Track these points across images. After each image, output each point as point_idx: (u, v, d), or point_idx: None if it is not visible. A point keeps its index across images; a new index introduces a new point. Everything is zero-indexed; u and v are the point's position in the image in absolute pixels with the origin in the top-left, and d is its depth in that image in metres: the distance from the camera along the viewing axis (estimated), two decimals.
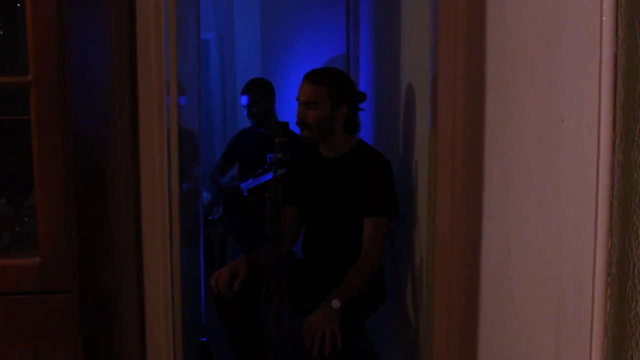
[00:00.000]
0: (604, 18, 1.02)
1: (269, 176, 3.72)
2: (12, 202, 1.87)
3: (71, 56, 1.49)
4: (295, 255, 3.00)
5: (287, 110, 4.04)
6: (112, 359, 2.02)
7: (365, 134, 3.89)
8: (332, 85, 2.56)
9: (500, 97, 1.71)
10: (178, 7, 2.19)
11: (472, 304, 1.91)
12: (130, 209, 2.02)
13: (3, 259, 1.56)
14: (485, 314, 1.84)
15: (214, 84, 5.89)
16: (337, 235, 2.69)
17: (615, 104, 1.03)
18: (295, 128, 2.70)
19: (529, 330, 1.49)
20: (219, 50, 5.90)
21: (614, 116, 1.03)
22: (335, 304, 2.31)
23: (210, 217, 4.50)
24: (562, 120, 1.18)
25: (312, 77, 2.60)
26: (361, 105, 2.78)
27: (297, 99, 2.61)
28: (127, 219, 2.02)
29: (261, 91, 4.09)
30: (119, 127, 2.01)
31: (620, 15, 1.01)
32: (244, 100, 4.11)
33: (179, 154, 2.18)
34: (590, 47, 1.06)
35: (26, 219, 1.89)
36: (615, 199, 1.04)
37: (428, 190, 2.15)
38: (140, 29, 1.96)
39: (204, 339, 3.41)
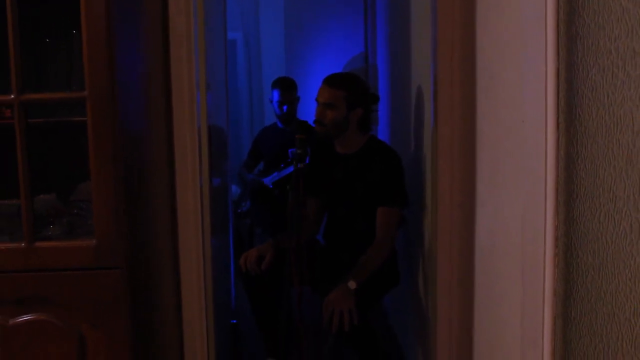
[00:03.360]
0: (548, 42, 1.27)
1: (291, 169, 3.98)
2: (61, 197, 2.13)
3: (118, 72, 1.78)
4: (318, 242, 3.24)
5: (309, 107, 4.30)
6: (153, 332, 2.29)
7: (383, 128, 4.14)
8: (348, 90, 2.79)
9: (486, 102, 1.96)
10: (206, 12, 2.42)
11: (468, 275, 2.17)
12: (166, 199, 2.27)
13: (65, 242, 1.85)
14: (478, 284, 2.10)
15: (241, 82, 6.11)
16: (353, 223, 2.91)
17: (558, 107, 1.27)
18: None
19: (506, 291, 1.76)
20: (246, 50, 6.12)
21: (557, 118, 1.27)
22: (352, 284, 2.56)
23: (239, 210, 4.76)
24: (523, 121, 1.42)
25: (331, 81, 2.83)
26: (380, 101, 3.00)
27: (316, 100, 2.85)
28: (164, 208, 2.27)
29: (293, 91, 4.31)
30: (155, 126, 2.25)
31: (560, 40, 1.25)
32: (275, 95, 4.31)
33: (209, 150, 2.42)
34: (539, 63, 1.30)
35: (75, 211, 2.17)
36: (560, 185, 1.29)
37: (431, 182, 2.39)
38: (173, 37, 2.19)
39: (234, 321, 3.67)
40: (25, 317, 1.81)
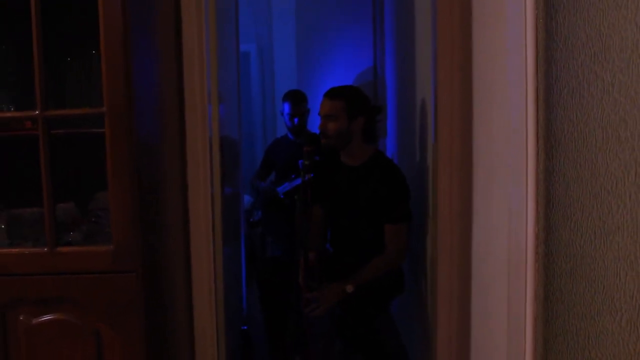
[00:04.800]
0: (528, 64, 1.38)
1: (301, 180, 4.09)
2: (79, 206, 2.26)
3: (134, 88, 1.91)
4: (327, 252, 3.34)
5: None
6: (165, 334, 2.40)
7: (391, 139, 4.25)
8: (347, 100, 2.88)
9: (481, 118, 2.07)
10: (218, 25, 2.53)
11: (466, 282, 2.27)
12: (179, 208, 2.38)
13: (85, 247, 1.99)
14: (475, 291, 2.21)
15: (255, 94, 6.21)
16: (357, 233, 2.99)
17: (537, 126, 1.38)
18: None
19: (496, 296, 1.86)
20: (259, 62, 6.23)
21: (537, 135, 1.38)
22: (350, 288, 2.70)
23: (251, 219, 4.86)
24: (508, 137, 1.53)
25: (330, 94, 2.93)
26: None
27: (319, 114, 2.95)
28: (177, 216, 2.38)
29: (303, 103, 4.42)
30: (168, 138, 2.37)
31: (539, 62, 1.36)
32: (286, 108, 4.42)
33: (221, 160, 2.54)
34: (520, 82, 1.41)
35: (93, 219, 2.29)
36: (540, 196, 1.39)
37: (432, 193, 2.50)
38: (186, 52, 2.32)
39: (245, 327, 3.79)
40: (47, 317, 1.95)
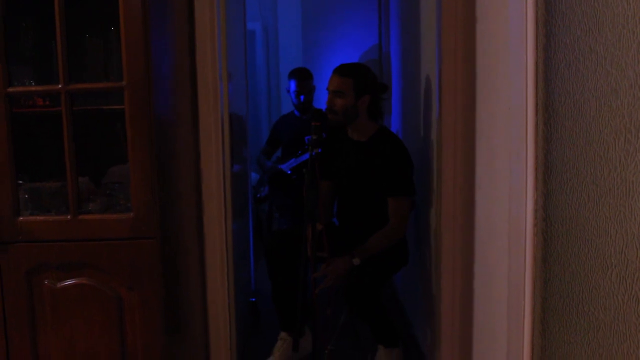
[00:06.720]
0: (528, 37, 1.46)
1: (308, 155, 4.16)
2: (92, 180, 2.34)
3: (152, 64, 1.99)
4: (333, 224, 3.43)
5: (325, 96, 4.48)
6: (180, 298, 2.51)
7: (396, 116, 4.32)
8: (356, 78, 2.97)
9: (484, 93, 2.15)
10: (227, 4, 2.60)
11: (469, 251, 2.36)
12: (192, 180, 2.47)
13: (107, 214, 2.09)
14: (478, 260, 2.30)
15: (260, 72, 6.26)
16: (364, 206, 3.10)
17: (537, 97, 1.46)
18: None
19: (496, 261, 1.96)
20: (264, 40, 6.27)
21: (536, 106, 1.46)
22: (356, 261, 2.81)
23: (258, 195, 4.95)
24: (509, 109, 1.61)
25: (340, 70, 3.01)
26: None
27: (327, 89, 3.03)
28: (190, 188, 2.47)
29: (309, 80, 4.49)
30: (182, 114, 2.45)
31: (539, 37, 1.44)
32: (292, 85, 4.49)
33: (230, 137, 2.62)
34: (521, 56, 1.49)
35: (108, 192, 2.37)
36: (539, 164, 1.48)
37: (437, 167, 2.58)
38: (198, 31, 2.40)
39: (253, 300, 3.89)
40: (71, 281, 2.06)
